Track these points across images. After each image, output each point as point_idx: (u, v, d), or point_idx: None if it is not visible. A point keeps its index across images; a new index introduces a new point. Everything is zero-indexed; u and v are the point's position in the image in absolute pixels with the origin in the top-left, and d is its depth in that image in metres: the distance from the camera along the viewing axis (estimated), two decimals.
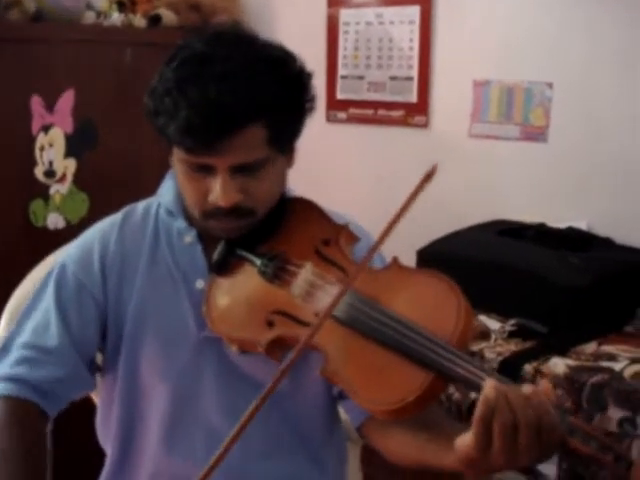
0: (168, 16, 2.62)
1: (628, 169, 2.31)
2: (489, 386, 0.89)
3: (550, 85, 2.43)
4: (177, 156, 1.15)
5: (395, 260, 1.12)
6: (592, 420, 1.59)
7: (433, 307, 1.04)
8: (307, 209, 1.25)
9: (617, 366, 1.64)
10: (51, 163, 2.31)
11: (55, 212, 2.34)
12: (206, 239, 1.24)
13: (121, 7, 2.59)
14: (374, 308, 1.04)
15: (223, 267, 1.19)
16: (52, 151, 2.30)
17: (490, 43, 2.52)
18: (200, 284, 1.23)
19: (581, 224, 2.37)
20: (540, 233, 2.17)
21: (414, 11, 2.65)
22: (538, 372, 1.66)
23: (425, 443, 1.11)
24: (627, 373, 1.62)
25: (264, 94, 1.09)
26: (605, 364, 1.65)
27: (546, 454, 0.91)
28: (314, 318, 1.08)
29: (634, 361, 1.67)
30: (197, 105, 1.06)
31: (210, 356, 1.23)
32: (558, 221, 2.34)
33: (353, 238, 1.21)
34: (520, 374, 1.67)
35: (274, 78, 1.11)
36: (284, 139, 1.16)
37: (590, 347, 1.76)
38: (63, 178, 2.35)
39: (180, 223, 1.26)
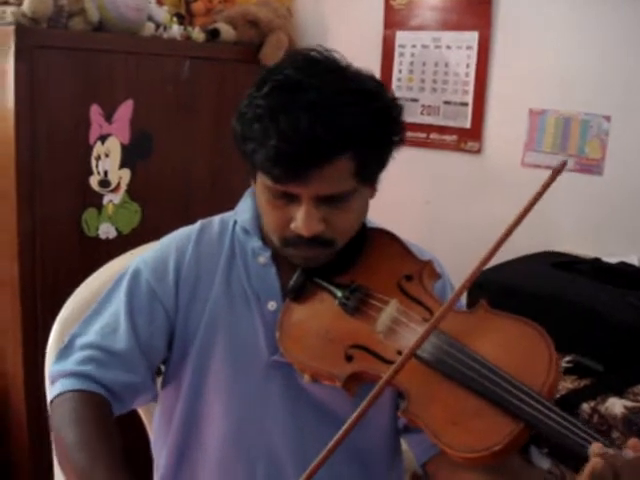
0: (226, 31, 2.64)
1: None
2: (596, 454, 0.86)
3: (608, 118, 2.40)
4: (262, 182, 1.14)
5: (483, 303, 1.10)
6: None
7: (524, 355, 1.01)
8: (388, 241, 1.24)
9: None
10: (106, 173, 2.32)
11: (107, 222, 2.35)
12: (281, 261, 1.24)
13: (180, 19, 2.61)
14: (462, 351, 1.02)
15: (299, 294, 1.18)
16: (108, 161, 2.31)
17: (547, 72, 2.50)
18: (272, 306, 1.22)
19: (633, 259, 2.35)
20: (595, 268, 2.14)
21: (472, 37, 2.64)
22: (595, 412, 1.63)
23: None
24: None
25: (354, 126, 1.07)
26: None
27: None
28: (396, 356, 1.06)
29: None
30: (287, 135, 1.04)
31: (279, 380, 1.22)
32: (609, 255, 2.31)
33: (436, 275, 1.20)
34: (577, 412, 1.65)
35: (365, 110, 1.09)
36: (371, 171, 1.16)
37: None
38: (117, 188, 2.36)
39: (255, 242, 1.26)
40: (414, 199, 2.83)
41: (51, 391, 1.19)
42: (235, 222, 1.31)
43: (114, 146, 2.33)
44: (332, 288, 1.17)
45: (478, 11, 2.62)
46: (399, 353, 1.06)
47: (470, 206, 2.71)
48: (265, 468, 1.22)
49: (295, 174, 1.07)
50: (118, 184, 2.36)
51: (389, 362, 1.05)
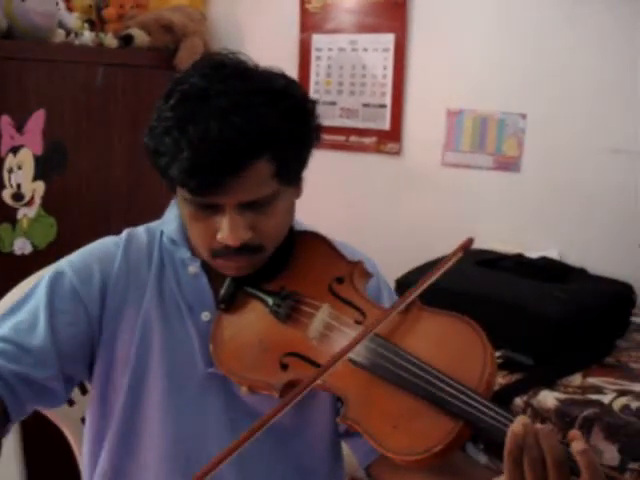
0: (140, 36, 2.58)
1: (598, 199, 2.35)
2: (517, 421, 0.88)
3: (524, 116, 2.46)
4: (181, 195, 1.10)
5: (416, 301, 1.08)
6: None
7: (458, 351, 1.00)
8: (317, 244, 1.22)
9: (605, 399, 1.64)
10: (19, 186, 2.23)
11: (22, 237, 2.25)
12: (212, 270, 1.20)
13: (92, 26, 2.54)
14: (395, 352, 1.01)
15: (230, 304, 1.16)
16: (21, 173, 2.22)
17: (464, 73, 2.54)
18: (206, 316, 1.18)
19: (553, 253, 2.40)
20: (518, 263, 2.18)
21: (389, 39, 2.66)
22: (528, 405, 1.65)
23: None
24: (616, 406, 1.62)
25: (267, 128, 1.03)
26: (594, 397, 1.66)
27: None
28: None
29: (621, 393, 1.68)
30: (198, 145, 1.00)
31: (216, 392, 1.18)
32: (530, 250, 2.36)
33: (367, 275, 1.18)
34: (510, 407, 1.67)
35: (276, 109, 1.05)
36: (291, 171, 1.12)
37: (576, 379, 1.76)
38: (31, 201, 2.27)
39: (184, 253, 1.21)
40: (337, 203, 2.83)
41: None
42: (162, 232, 1.26)
43: (27, 158, 2.23)
44: (263, 296, 1.15)
45: (394, 13, 2.64)
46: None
47: (392, 207, 2.72)
48: None
49: (212, 184, 1.03)
50: (32, 197, 2.27)
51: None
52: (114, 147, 2.52)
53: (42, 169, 2.29)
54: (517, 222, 2.51)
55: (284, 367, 1.07)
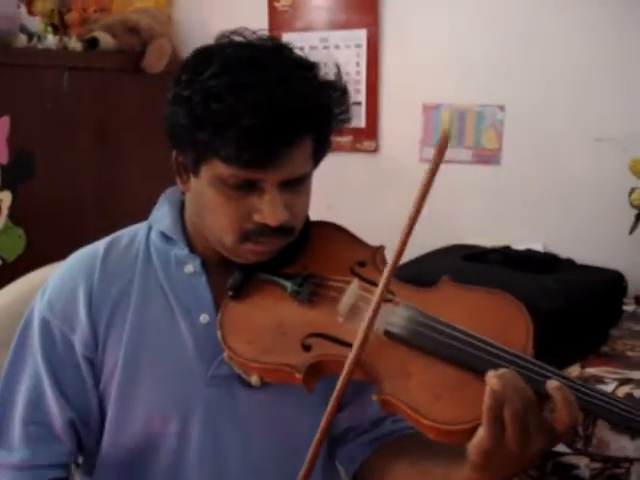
0: (105, 39, 2.50)
1: (582, 189, 2.32)
2: (494, 376, 0.84)
3: (502, 107, 2.42)
4: (214, 175, 1.02)
5: (445, 278, 1.04)
6: (590, 444, 1.54)
7: (500, 322, 0.96)
8: (334, 231, 1.17)
9: (607, 388, 1.60)
10: None
11: None
12: (211, 269, 1.12)
13: (55, 30, 2.45)
14: (437, 321, 0.96)
15: (239, 291, 1.08)
16: None
17: (440, 66, 2.50)
18: (205, 319, 1.10)
19: (538, 245, 2.37)
20: (505, 256, 2.13)
21: (360, 35, 2.61)
22: None
23: (431, 468, 1.03)
24: (619, 395, 1.58)
25: (319, 99, 1.02)
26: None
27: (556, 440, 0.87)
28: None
29: (622, 382, 1.64)
30: (262, 109, 0.96)
31: (219, 399, 1.09)
32: (515, 244, 2.32)
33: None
34: None
35: (324, 84, 1.05)
36: (323, 152, 1.10)
37: (575, 370, 1.72)
38: None
39: (180, 250, 1.13)
40: (314, 206, 2.73)
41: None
42: (149, 230, 1.18)
43: None
44: (279, 280, 1.08)
45: (365, 9, 2.59)
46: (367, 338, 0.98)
47: (372, 206, 2.67)
48: None
49: (267, 155, 0.98)
50: None
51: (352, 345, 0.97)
52: (83, 153, 2.44)
53: (9, 179, 2.20)
54: (500, 216, 2.47)
55: (307, 348, 1.00)
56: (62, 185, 2.38)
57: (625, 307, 2.06)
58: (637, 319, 2.06)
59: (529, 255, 2.16)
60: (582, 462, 1.58)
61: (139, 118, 2.42)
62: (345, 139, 2.70)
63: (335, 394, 0.91)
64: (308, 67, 1.05)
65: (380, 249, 1.12)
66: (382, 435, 1.16)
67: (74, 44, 2.44)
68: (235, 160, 0.99)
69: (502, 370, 0.85)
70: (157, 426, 1.09)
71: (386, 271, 0.95)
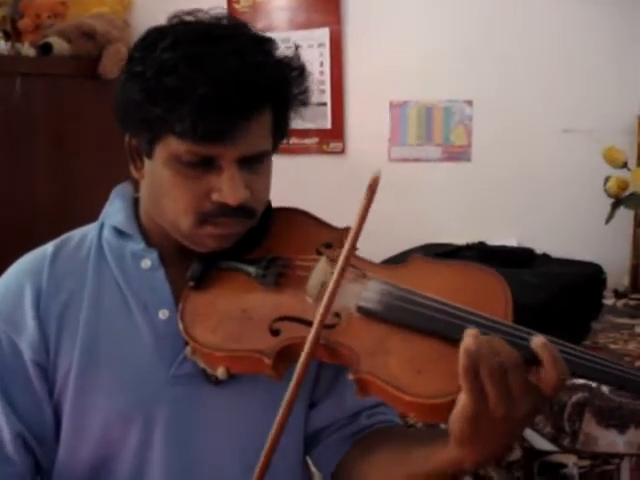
0: (59, 44, 2.42)
1: (554, 182, 2.29)
2: (468, 335, 0.79)
3: (470, 103, 2.37)
4: (169, 154, 0.98)
5: (416, 255, 1.01)
6: (577, 441, 1.48)
7: (477, 290, 0.93)
8: (297, 215, 1.13)
9: (593, 382, 1.54)
10: None
11: None
12: (169, 263, 1.06)
13: (7, 37, 2.37)
14: (413, 293, 0.91)
15: (200, 280, 1.02)
16: None
17: (405, 62, 2.45)
18: (164, 314, 1.03)
19: (512, 241, 2.32)
20: (480, 252, 2.08)
21: (323, 33, 2.56)
22: None
23: (411, 452, 0.97)
24: (606, 388, 1.52)
25: (277, 74, 1.00)
26: (580, 381, 1.55)
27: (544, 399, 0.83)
28: (334, 318, 0.93)
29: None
30: (217, 81, 0.92)
31: (183, 399, 1.02)
32: (488, 239, 2.26)
33: None
34: None
35: (283, 60, 1.03)
36: (282, 130, 1.07)
37: None
38: None
39: (136, 245, 1.07)
40: None
41: None
42: (102, 227, 1.11)
43: None
44: (242, 266, 1.03)
45: (326, 7, 2.54)
46: (337, 315, 0.93)
47: (341, 209, 2.58)
48: None
49: (223, 128, 0.94)
50: None
51: (325, 327, 0.91)
52: (37, 160, 2.35)
53: None
54: (472, 213, 2.42)
55: (275, 332, 0.95)
56: (17, 193, 2.30)
57: (605, 301, 2.01)
58: (617, 312, 2.02)
59: (504, 250, 2.11)
60: (570, 460, 1.52)
61: (95, 123, 2.33)
62: (311, 141, 2.63)
63: (297, 371, 0.85)
64: (265, 41, 1.02)
65: (347, 230, 1.06)
66: (359, 430, 1.11)
67: (27, 50, 2.36)
68: (190, 134, 0.94)
69: (475, 330, 0.80)
70: (117, 433, 1.01)
71: (352, 231, 0.92)
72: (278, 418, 0.85)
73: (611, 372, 0.83)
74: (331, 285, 0.88)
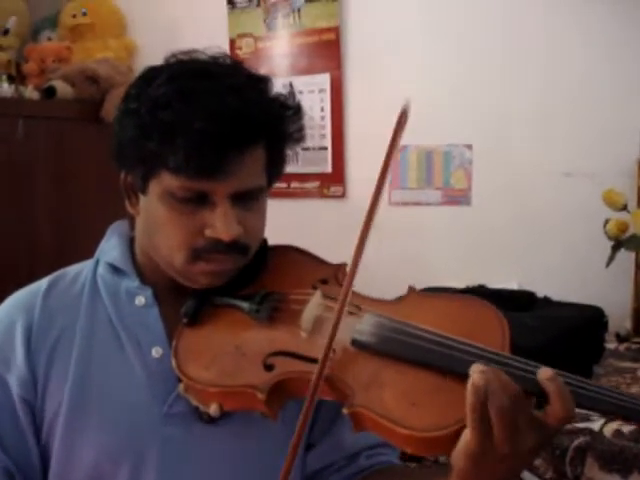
0: (63, 88, 2.45)
1: (555, 225, 2.28)
2: (475, 371, 0.77)
3: (469, 147, 2.38)
4: (163, 190, 0.98)
5: (412, 288, 1.00)
6: None
7: (473, 323, 0.91)
8: (292, 252, 1.12)
9: (594, 426, 1.51)
10: None
11: None
12: (163, 301, 1.05)
13: (12, 80, 2.39)
14: (408, 325, 0.90)
15: (194, 317, 1.01)
16: None
17: None
18: (157, 352, 1.02)
19: (512, 284, 2.30)
20: (481, 296, 2.05)
21: (324, 79, 2.58)
22: None
23: None
24: (607, 432, 1.49)
25: (272, 109, 1.01)
26: (582, 425, 1.52)
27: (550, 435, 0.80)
28: (330, 353, 0.91)
29: (610, 419, 1.55)
30: (211, 115, 0.93)
31: (176, 438, 1.00)
32: (489, 283, 2.26)
33: None
34: None
35: (277, 98, 1.03)
36: (277, 167, 1.07)
37: None
38: None
39: (131, 282, 1.06)
40: None
41: None
42: (97, 264, 1.11)
43: None
44: (236, 302, 1.02)
45: (327, 53, 2.57)
46: (333, 350, 0.91)
47: (341, 252, 2.59)
48: None
49: (216, 163, 0.94)
50: None
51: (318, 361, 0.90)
52: (38, 202, 2.36)
53: None
54: (472, 257, 2.41)
55: (269, 367, 0.93)
56: (18, 235, 2.31)
57: (607, 345, 1.98)
58: (619, 356, 1.99)
59: (505, 293, 2.09)
60: None
61: (97, 166, 2.35)
62: (312, 185, 2.64)
63: (303, 411, 0.82)
64: (261, 79, 1.03)
65: (342, 267, 1.07)
66: (358, 471, 1.09)
67: (30, 93, 2.38)
68: (184, 169, 0.94)
69: (484, 366, 0.78)
70: (107, 471, 0.99)
71: (351, 264, 0.91)
72: (287, 456, 0.83)
73: (620, 404, 0.81)
74: (334, 318, 0.87)
